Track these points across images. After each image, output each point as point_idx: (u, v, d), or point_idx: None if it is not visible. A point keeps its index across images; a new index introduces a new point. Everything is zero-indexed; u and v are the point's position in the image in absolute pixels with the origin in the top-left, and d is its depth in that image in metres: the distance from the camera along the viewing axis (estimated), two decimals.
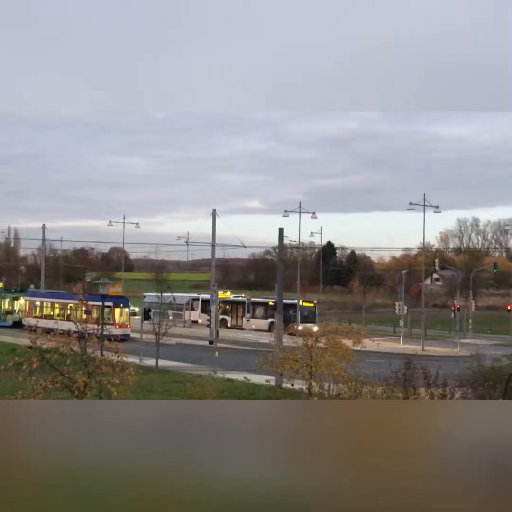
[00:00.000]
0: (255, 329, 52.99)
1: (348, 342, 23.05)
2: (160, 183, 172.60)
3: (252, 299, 57.37)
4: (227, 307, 56.84)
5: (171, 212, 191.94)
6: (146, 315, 39.07)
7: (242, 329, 54.57)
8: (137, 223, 65.59)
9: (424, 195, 46.07)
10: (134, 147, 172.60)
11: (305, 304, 54.18)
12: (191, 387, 19.54)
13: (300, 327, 47.52)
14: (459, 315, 53.87)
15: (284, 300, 53.68)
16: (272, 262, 78.77)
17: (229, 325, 55.84)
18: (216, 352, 31.31)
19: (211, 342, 41.58)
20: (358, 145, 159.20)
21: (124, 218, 63.79)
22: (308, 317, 51.86)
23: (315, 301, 55.89)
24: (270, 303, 55.42)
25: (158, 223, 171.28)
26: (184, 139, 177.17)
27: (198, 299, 59.19)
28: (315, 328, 50.48)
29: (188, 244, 56.60)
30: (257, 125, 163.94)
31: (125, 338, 43.26)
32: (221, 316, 51.84)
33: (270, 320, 52.67)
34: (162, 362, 31.94)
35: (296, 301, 53.47)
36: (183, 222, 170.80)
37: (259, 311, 56.38)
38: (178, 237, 60.33)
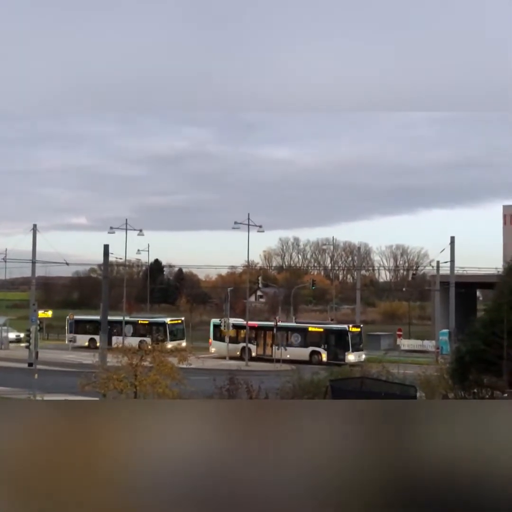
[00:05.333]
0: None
1: (173, 360, 23.00)
2: None
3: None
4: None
5: None
6: None
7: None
8: None
9: (248, 214, 47.29)
10: None
11: (353, 329, 45.00)
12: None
13: (351, 357, 42.55)
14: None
15: (333, 326, 46.57)
16: (98, 280, 76.71)
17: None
18: (35, 374, 29.75)
19: (30, 364, 39.45)
20: (188, 164, 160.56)
21: None
22: (359, 344, 45.02)
23: (361, 326, 48.43)
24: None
25: None
26: (6, 151, 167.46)
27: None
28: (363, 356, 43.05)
29: (6, 261, 53.75)
30: (85, 139, 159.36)
31: None
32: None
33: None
34: None
35: (345, 326, 45.34)
36: (1, 238, 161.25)
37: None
38: None
